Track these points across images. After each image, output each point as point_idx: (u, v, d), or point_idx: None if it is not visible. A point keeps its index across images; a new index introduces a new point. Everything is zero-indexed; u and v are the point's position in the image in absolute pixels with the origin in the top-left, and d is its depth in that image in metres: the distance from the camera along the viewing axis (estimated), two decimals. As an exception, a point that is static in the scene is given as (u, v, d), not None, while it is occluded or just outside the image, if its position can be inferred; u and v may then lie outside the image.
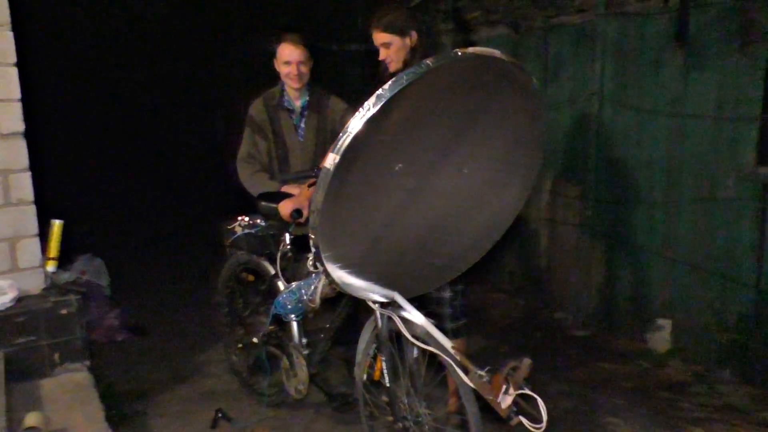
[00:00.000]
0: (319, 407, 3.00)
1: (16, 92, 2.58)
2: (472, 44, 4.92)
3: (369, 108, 1.53)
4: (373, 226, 1.84)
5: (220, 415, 2.86)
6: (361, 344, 2.29)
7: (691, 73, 3.28)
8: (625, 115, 3.63)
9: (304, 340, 2.67)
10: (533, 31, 4.25)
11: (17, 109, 2.59)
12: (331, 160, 1.57)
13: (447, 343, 1.86)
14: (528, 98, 1.82)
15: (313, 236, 1.70)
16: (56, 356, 2.66)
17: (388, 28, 2.53)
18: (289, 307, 2.51)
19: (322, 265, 1.78)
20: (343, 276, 1.90)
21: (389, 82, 1.52)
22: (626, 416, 2.97)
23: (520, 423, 1.61)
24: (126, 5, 7.49)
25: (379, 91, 1.52)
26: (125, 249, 6.08)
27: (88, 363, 2.74)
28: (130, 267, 5.44)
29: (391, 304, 2.08)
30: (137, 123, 8.95)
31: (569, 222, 4.10)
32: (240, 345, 3.08)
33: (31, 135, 2.69)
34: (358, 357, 2.30)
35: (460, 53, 1.59)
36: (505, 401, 1.59)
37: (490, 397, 1.64)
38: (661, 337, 3.49)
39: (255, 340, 2.91)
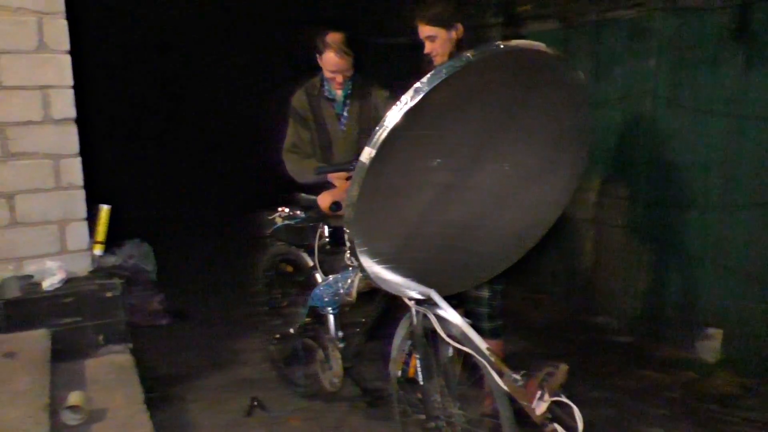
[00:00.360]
0: (354, 401, 3.00)
1: (68, 79, 2.64)
2: (521, 38, 4.81)
3: (406, 101, 1.50)
4: (410, 221, 1.81)
5: (255, 403, 2.90)
6: (396, 340, 2.26)
7: (751, 72, 3.12)
8: (680, 114, 3.49)
9: (340, 334, 2.67)
10: (585, 25, 4.13)
11: (69, 95, 2.65)
12: (366, 154, 1.55)
13: (482, 344, 1.82)
14: (574, 93, 1.75)
15: (347, 230, 1.69)
16: (100, 337, 2.73)
17: (433, 21, 2.47)
18: (326, 299, 2.51)
19: (357, 259, 1.76)
20: (378, 271, 1.88)
21: (428, 75, 1.49)
22: (670, 427, 2.87)
23: (555, 431, 1.56)
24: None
25: (417, 84, 1.49)
26: (173, 235, 6.22)
27: (130, 345, 2.80)
28: (177, 253, 5.56)
29: (427, 302, 2.05)
30: (187, 112, 9.12)
31: (616, 223, 3.97)
32: (277, 335, 3.11)
33: (85, 121, 2.76)
34: (393, 353, 2.28)
35: (502, 46, 1.54)
36: (540, 408, 1.55)
37: (524, 403, 1.59)
38: (711, 346, 3.35)
39: (291, 330, 2.93)
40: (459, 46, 2.51)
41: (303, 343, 2.85)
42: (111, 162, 7.55)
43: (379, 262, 1.85)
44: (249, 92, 8.71)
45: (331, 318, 2.66)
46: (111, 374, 2.57)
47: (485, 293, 2.62)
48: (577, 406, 3.12)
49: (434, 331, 2.03)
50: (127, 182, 7.53)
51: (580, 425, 1.48)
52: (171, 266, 4.98)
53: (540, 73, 1.67)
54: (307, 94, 2.89)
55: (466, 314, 2.79)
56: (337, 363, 2.62)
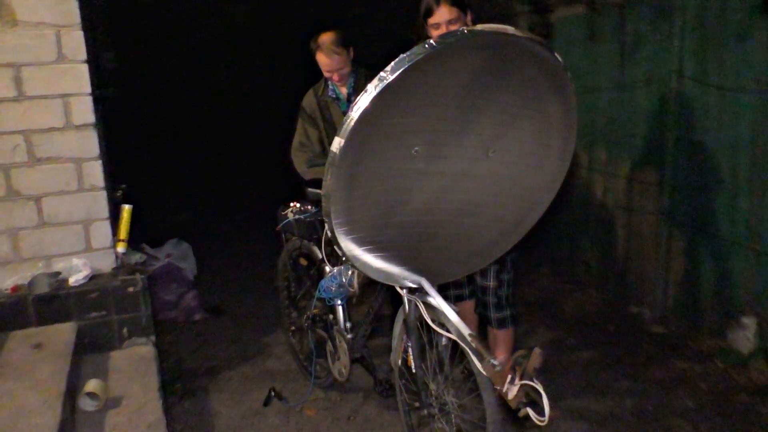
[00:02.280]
0: (368, 391, 3.03)
1: (86, 87, 2.79)
2: (549, 25, 4.72)
3: (371, 91, 1.52)
4: (396, 210, 1.82)
5: (272, 393, 2.97)
6: (395, 329, 2.29)
7: (780, 47, 2.96)
8: (707, 93, 3.34)
9: (348, 324, 2.71)
10: (610, 8, 4.01)
11: (88, 102, 2.80)
12: (336, 143, 1.58)
13: (465, 330, 1.82)
14: (554, 75, 1.72)
15: (326, 220, 1.72)
16: (124, 331, 2.87)
17: (456, 2, 2.41)
18: (333, 291, 2.56)
19: (340, 248, 1.79)
20: (367, 260, 1.90)
21: (391, 63, 1.51)
22: (697, 420, 2.77)
23: (527, 414, 1.55)
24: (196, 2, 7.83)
25: (381, 73, 1.51)
26: (214, 234, 6.42)
27: (152, 338, 2.93)
28: (218, 252, 5.74)
29: (419, 290, 2.06)
30: (223, 114, 9.36)
31: (646, 210, 3.85)
32: (293, 327, 3.18)
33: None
34: (393, 342, 2.31)
35: (466, 31, 1.54)
36: (511, 391, 1.54)
37: (498, 387, 1.59)
38: (744, 336, 3.20)
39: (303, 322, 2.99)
40: None
41: (315, 334, 2.90)
42: (157, 169, 7.91)
43: (369, 251, 1.87)
44: (281, 90, 8.88)
45: (339, 309, 2.71)
46: (133, 365, 2.70)
47: (491, 283, 2.61)
48: (602, 396, 3.06)
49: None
50: (171, 187, 7.85)
51: (547, 409, 1.47)
52: (212, 264, 5.16)
53: (516, 56, 1.65)
54: (315, 95, 3.01)
55: (477, 304, 2.79)
56: (344, 353, 2.66)
